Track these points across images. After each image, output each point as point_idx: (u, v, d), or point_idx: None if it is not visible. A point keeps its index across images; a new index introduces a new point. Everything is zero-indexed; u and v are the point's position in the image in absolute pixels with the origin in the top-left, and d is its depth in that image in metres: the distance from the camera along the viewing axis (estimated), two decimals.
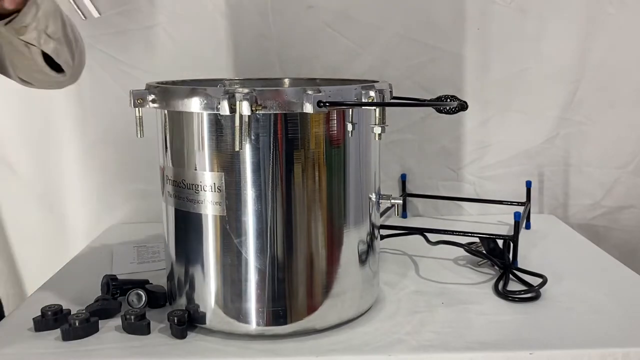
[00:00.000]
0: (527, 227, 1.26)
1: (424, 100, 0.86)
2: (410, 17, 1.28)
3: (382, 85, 0.80)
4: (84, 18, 0.96)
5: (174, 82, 0.91)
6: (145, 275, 1.01)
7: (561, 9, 1.28)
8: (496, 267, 1.02)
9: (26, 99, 1.29)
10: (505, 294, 0.92)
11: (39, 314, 0.84)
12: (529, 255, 1.09)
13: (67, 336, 0.80)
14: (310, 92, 0.72)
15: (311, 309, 0.80)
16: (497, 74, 1.31)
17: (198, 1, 1.27)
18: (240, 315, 0.79)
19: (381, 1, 1.28)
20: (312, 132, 0.76)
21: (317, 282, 0.80)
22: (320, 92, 0.73)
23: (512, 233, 1.06)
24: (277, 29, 1.28)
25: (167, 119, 0.81)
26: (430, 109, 1.21)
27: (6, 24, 0.85)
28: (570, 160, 1.36)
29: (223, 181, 0.76)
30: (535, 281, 0.95)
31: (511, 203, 1.30)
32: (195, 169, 0.78)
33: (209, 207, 0.77)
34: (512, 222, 1.06)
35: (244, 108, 0.71)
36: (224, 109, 0.72)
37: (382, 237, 1.08)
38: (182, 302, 0.84)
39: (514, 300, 0.91)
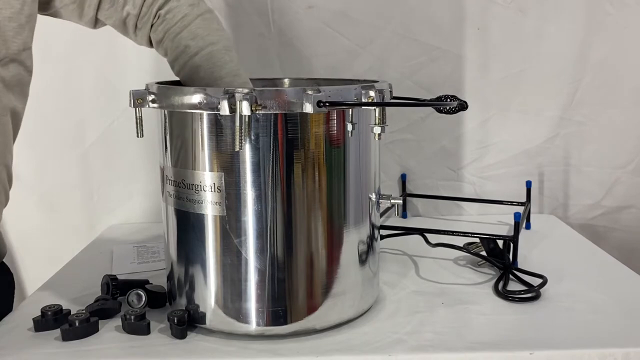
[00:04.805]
0: (527, 227, 1.26)
1: (424, 100, 0.86)
2: (410, 17, 1.28)
3: (382, 85, 0.80)
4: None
5: (174, 82, 0.91)
6: (145, 275, 1.01)
7: (561, 9, 1.28)
8: (496, 268, 1.02)
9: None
10: (505, 294, 0.92)
11: (39, 314, 0.84)
12: (529, 255, 1.09)
13: (67, 336, 0.80)
14: (310, 92, 0.72)
15: (311, 309, 0.80)
16: (497, 74, 1.31)
17: None
18: (240, 315, 0.79)
19: (381, 1, 1.28)
20: (312, 132, 0.76)
21: (317, 282, 0.80)
22: (320, 92, 0.73)
23: (512, 233, 1.06)
24: (277, 28, 1.28)
25: (167, 119, 0.81)
26: (430, 109, 1.22)
27: None
28: (570, 160, 1.36)
29: (223, 181, 0.76)
30: (535, 281, 0.95)
31: (511, 203, 1.30)
32: (195, 169, 0.77)
33: (209, 207, 0.77)
34: (512, 222, 1.06)
35: (244, 108, 0.71)
36: (224, 109, 0.72)
37: (382, 237, 1.08)
38: (182, 302, 0.84)
39: (514, 300, 0.91)
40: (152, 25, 0.91)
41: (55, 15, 0.92)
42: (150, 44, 0.94)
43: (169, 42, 0.90)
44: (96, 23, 0.93)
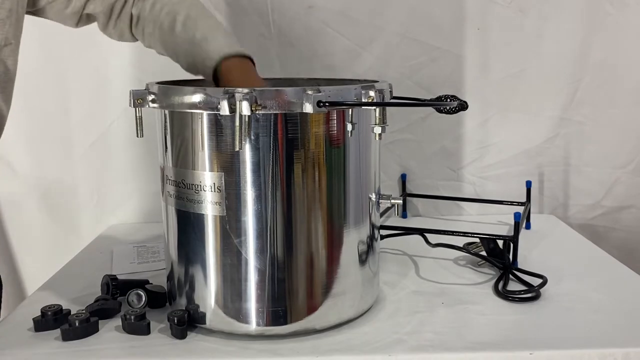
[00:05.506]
0: (527, 227, 1.26)
1: (424, 100, 0.86)
2: (410, 17, 1.28)
3: (382, 85, 0.80)
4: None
5: (174, 82, 0.91)
6: (145, 275, 1.01)
7: (561, 9, 1.28)
8: (496, 268, 1.02)
9: (26, 98, 1.29)
10: (505, 294, 0.92)
11: (39, 314, 0.84)
12: (529, 255, 1.09)
13: (67, 336, 0.80)
14: (310, 92, 0.72)
15: (311, 309, 0.80)
16: (497, 74, 1.31)
17: None
18: (240, 315, 0.79)
19: (381, 1, 1.28)
20: (312, 132, 0.76)
21: (317, 282, 0.80)
22: (320, 92, 0.73)
23: (512, 233, 1.06)
24: (277, 28, 1.28)
25: (167, 119, 0.81)
26: (430, 109, 1.22)
27: None
28: (570, 160, 1.36)
29: (223, 181, 0.76)
30: (535, 281, 0.95)
31: (511, 203, 1.30)
32: (195, 169, 0.78)
33: (209, 207, 0.77)
34: (512, 222, 1.06)
35: (244, 108, 0.71)
36: (224, 108, 0.72)
37: (382, 237, 1.08)
38: (182, 302, 0.84)
39: (514, 300, 0.91)
40: (133, 2, 0.95)
41: (42, 12, 0.92)
42: (130, 32, 0.98)
43: (147, 14, 0.94)
44: (79, 20, 0.95)
